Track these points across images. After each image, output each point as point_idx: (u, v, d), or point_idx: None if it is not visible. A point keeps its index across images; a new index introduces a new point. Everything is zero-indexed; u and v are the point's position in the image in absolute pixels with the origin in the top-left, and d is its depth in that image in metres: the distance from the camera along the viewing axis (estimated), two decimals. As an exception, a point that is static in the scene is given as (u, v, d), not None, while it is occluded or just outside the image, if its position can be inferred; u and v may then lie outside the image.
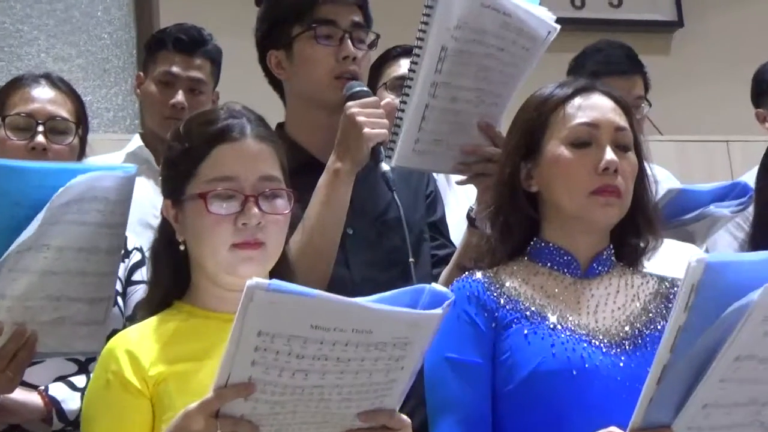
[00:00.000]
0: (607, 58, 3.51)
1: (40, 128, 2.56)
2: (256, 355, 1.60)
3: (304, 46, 2.51)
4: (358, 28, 2.54)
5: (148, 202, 3.12)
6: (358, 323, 1.62)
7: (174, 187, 2.05)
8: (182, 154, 2.04)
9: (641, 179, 2.15)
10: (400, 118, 2.38)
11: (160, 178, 2.13)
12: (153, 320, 2.03)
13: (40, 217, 2.03)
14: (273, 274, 2.01)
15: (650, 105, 3.51)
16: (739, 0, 5.99)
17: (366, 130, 2.36)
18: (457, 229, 2.66)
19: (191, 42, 3.25)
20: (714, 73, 5.81)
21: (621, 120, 2.13)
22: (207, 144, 2.02)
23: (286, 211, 2.02)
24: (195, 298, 2.05)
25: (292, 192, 2.04)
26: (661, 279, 2.16)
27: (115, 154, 3.29)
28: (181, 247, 2.04)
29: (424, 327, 1.69)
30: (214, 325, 1.97)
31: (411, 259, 2.30)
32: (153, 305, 2.07)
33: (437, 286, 1.74)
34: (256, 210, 1.97)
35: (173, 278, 2.07)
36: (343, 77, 2.49)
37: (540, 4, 2.53)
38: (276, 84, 2.62)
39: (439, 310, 1.68)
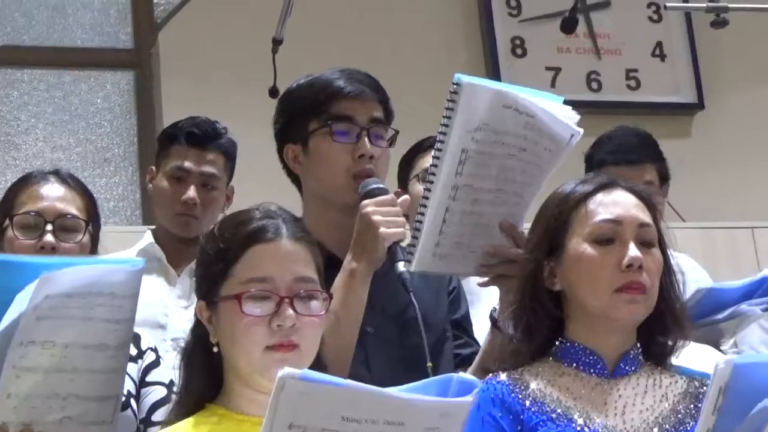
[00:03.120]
0: (616, 147, 3.55)
1: (49, 227, 2.59)
2: None
3: (320, 142, 2.56)
4: (377, 125, 2.58)
5: (158, 301, 3.18)
6: (390, 414, 1.69)
7: (208, 288, 2.12)
8: (216, 255, 2.11)
9: (667, 275, 2.21)
10: (420, 221, 2.41)
11: (194, 279, 2.20)
12: (185, 423, 2.09)
13: (28, 295, 2.05)
14: None
15: (664, 194, 3.52)
16: (761, 80, 6.07)
17: (382, 229, 2.40)
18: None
19: (204, 136, 3.30)
20: (737, 155, 5.87)
21: (644, 216, 2.20)
22: (241, 244, 2.09)
23: (322, 313, 2.09)
24: (228, 400, 2.11)
25: (328, 294, 2.11)
26: (691, 378, 2.20)
27: (126, 252, 3.33)
28: (215, 349, 2.11)
29: (455, 416, 1.76)
30: (247, 429, 2.02)
31: (429, 364, 2.32)
32: (185, 409, 2.12)
33: (465, 375, 1.82)
34: (291, 311, 2.04)
35: (206, 381, 2.13)
36: (359, 176, 2.52)
37: (556, 88, 2.58)
38: (294, 177, 2.67)
39: (469, 398, 1.75)
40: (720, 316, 2.88)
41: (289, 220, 2.16)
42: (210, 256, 2.13)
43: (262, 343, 2.04)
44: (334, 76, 2.60)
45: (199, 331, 2.16)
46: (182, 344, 3.08)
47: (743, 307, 2.90)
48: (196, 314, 2.16)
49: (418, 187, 3.12)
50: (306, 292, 2.08)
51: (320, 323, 2.10)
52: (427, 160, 3.15)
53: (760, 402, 1.74)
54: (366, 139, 2.55)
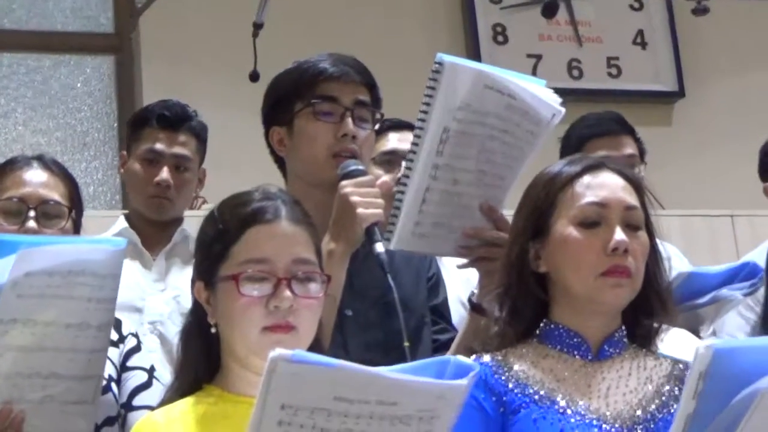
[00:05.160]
0: (596, 121, 3.57)
1: (32, 213, 2.58)
2: (279, 430, 1.66)
3: (305, 122, 2.57)
4: (361, 107, 2.59)
5: (134, 285, 3.17)
6: (382, 394, 1.68)
7: (206, 269, 2.12)
8: (215, 236, 2.11)
9: (653, 258, 2.20)
10: (400, 200, 2.41)
11: (194, 260, 2.20)
12: (181, 403, 2.08)
13: (5, 268, 2.05)
14: None
15: (645, 164, 3.53)
16: (741, 68, 6.10)
17: (360, 210, 2.40)
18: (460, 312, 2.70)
19: (175, 118, 3.30)
20: (717, 144, 5.90)
21: (631, 198, 2.19)
22: (240, 226, 2.09)
23: (320, 295, 2.08)
24: (225, 381, 2.11)
25: (327, 276, 2.11)
26: (675, 361, 2.20)
27: (101, 236, 3.32)
28: (213, 330, 2.11)
29: (450, 399, 1.75)
30: (244, 410, 2.00)
31: (406, 344, 2.32)
32: (183, 389, 2.12)
33: (462, 358, 1.81)
34: (288, 293, 2.03)
35: (204, 362, 2.13)
36: (341, 155, 2.54)
37: (537, 76, 2.58)
38: (279, 162, 2.69)
39: (464, 381, 1.74)
40: (701, 300, 2.89)
41: (289, 202, 2.15)
42: (209, 237, 2.14)
43: (258, 324, 2.03)
44: (320, 59, 2.62)
45: (196, 312, 2.15)
46: (159, 327, 3.11)
47: (724, 291, 2.91)
48: (194, 295, 2.15)
49: (374, 171, 3.12)
50: (304, 274, 2.07)
51: (318, 305, 2.09)
52: (382, 144, 3.17)
53: (741, 388, 1.73)
54: (349, 119, 2.56)
